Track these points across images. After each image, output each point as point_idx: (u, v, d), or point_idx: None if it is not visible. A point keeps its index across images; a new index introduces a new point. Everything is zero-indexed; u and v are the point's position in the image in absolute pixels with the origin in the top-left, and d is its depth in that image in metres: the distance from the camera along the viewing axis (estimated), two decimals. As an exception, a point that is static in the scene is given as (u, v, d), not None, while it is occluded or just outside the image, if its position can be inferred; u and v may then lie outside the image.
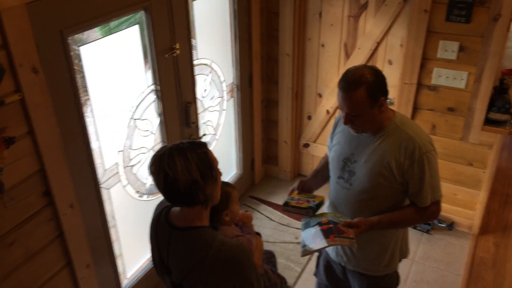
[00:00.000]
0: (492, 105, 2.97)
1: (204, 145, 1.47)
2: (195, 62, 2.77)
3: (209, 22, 2.98)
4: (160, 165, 1.39)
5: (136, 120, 2.44)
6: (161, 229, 1.54)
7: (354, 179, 1.86)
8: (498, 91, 3.02)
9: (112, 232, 2.41)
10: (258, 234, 2.00)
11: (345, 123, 1.78)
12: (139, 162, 2.52)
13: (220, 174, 1.51)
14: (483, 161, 3.15)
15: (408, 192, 1.84)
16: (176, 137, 2.71)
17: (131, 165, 2.47)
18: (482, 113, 2.97)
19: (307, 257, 3.15)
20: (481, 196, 3.26)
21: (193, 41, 2.74)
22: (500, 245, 3.32)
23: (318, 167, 2.20)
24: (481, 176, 3.19)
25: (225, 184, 1.82)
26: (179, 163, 1.38)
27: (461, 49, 2.91)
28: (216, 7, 3.02)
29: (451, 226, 3.41)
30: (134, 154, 2.48)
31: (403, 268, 2.15)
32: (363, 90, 1.68)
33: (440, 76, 3.03)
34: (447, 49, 2.94)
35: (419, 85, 3.13)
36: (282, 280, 2.38)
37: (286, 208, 1.98)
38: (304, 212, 1.95)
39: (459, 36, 2.89)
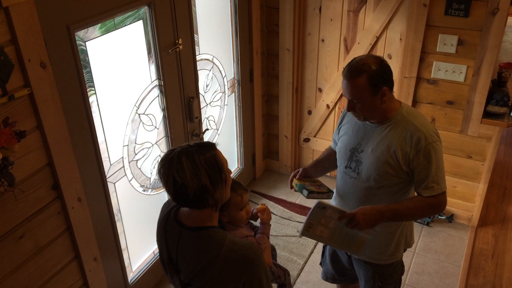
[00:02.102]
0: (490, 98, 3.01)
1: (213, 146, 1.46)
2: (197, 58, 2.80)
3: (211, 18, 3.00)
4: (169, 171, 1.39)
5: (141, 114, 2.46)
6: (171, 228, 1.54)
7: (361, 169, 1.90)
8: (496, 84, 3.06)
9: (118, 225, 2.44)
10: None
11: (348, 109, 1.82)
12: (143, 156, 2.54)
13: (229, 172, 1.52)
14: (482, 153, 3.19)
15: (414, 182, 1.87)
16: (179, 131, 2.73)
17: (136, 160, 2.49)
18: (481, 106, 3.01)
19: (309, 250, 3.18)
20: (480, 189, 3.30)
21: (195, 37, 2.76)
22: (499, 236, 3.36)
23: (320, 157, 2.24)
24: (480, 168, 3.23)
25: (239, 184, 1.83)
26: (188, 169, 1.37)
27: (460, 42, 2.94)
28: (217, 2, 3.04)
29: (450, 218, 3.45)
30: (139, 149, 2.50)
31: (404, 260, 2.18)
32: (364, 78, 1.71)
33: (440, 70, 3.06)
34: (446, 43, 2.98)
35: (419, 79, 3.17)
36: (285, 272, 2.41)
37: (312, 196, 2.00)
38: (326, 196, 2.05)
39: (457, 30, 2.92)
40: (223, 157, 1.48)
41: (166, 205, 1.61)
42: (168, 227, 1.55)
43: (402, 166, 1.82)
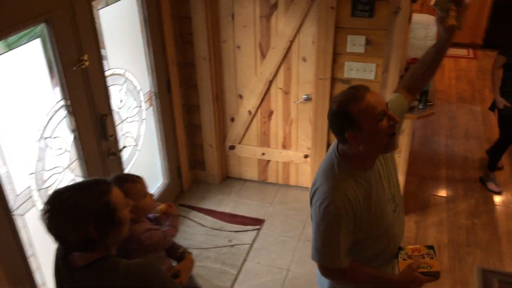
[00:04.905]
0: (400, 93, 3.15)
1: (106, 188, 1.35)
2: (107, 73, 2.67)
3: (119, 30, 2.88)
4: (50, 223, 1.29)
5: (47, 139, 2.30)
6: (63, 276, 1.43)
7: (398, 202, 1.79)
8: (405, 80, 3.21)
9: (32, 261, 2.26)
10: (189, 253, 1.95)
11: (395, 119, 1.57)
12: (54, 182, 2.38)
13: (128, 206, 1.43)
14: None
15: None
16: (93, 152, 2.59)
17: (46, 187, 2.33)
18: (392, 102, 3.14)
19: (241, 259, 3.15)
20: (398, 179, 3.44)
21: (102, 51, 2.63)
22: (420, 223, 3.54)
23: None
24: (397, 160, 3.38)
25: (122, 179, 1.72)
26: (70, 225, 1.27)
27: (368, 42, 3.06)
28: (125, 14, 2.93)
29: (375, 210, 3.57)
30: (48, 175, 2.34)
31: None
32: None
33: (351, 70, 3.17)
34: (355, 43, 3.08)
35: (333, 79, 3.25)
36: None
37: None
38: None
39: (364, 30, 3.03)
40: (118, 196, 1.37)
41: (57, 250, 1.47)
42: (62, 277, 1.44)
43: None
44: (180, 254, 1.93)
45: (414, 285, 1.67)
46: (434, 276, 1.70)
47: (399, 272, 1.71)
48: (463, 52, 6.76)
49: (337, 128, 1.60)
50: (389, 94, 3.10)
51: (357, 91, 1.56)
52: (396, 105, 1.79)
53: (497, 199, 3.79)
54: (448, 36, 1.69)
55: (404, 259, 1.74)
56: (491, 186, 3.88)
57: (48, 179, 2.33)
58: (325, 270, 1.70)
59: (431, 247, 1.80)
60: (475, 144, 4.57)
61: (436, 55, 1.76)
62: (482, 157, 4.28)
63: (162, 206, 1.90)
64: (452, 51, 6.66)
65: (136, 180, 1.78)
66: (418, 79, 1.85)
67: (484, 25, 6.63)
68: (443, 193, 3.89)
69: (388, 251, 1.77)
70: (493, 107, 3.87)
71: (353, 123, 1.54)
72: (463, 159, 4.34)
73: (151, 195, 1.84)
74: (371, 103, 1.53)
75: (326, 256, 1.66)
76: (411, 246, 1.80)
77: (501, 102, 3.59)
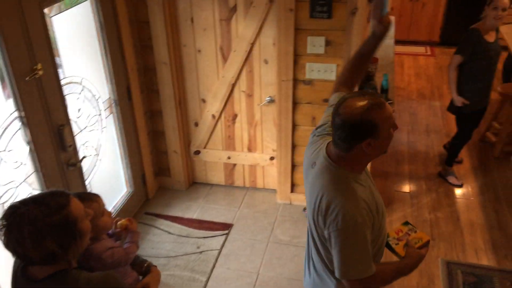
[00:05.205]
0: (361, 93, 3.20)
1: (65, 201, 1.30)
2: (63, 81, 2.59)
3: (75, 37, 2.80)
4: (8, 241, 1.25)
5: (1, 152, 2.20)
6: None
7: None
8: (365, 79, 3.26)
9: (-11, 280, 2.16)
10: (154, 266, 1.91)
11: (397, 126, 1.63)
12: (11, 197, 2.28)
13: (89, 215, 1.39)
14: (361, 145, 3.37)
15: None
16: (51, 164, 2.50)
17: (2, 203, 2.23)
18: (354, 101, 3.19)
19: (211, 265, 3.11)
20: (364, 177, 3.49)
21: (57, 59, 2.55)
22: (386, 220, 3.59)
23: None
24: (361, 158, 3.42)
25: (79, 198, 1.66)
26: (29, 238, 1.23)
27: (327, 43, 3.08)
28: (80, 21, 2.84)
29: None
30: (4, 190, 2.24)
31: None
32: None
33: (313, 70, 3.19)
34: (315, 44, 3.10)
35: (295, 81, 3.26)
36: None
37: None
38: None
39: (324, 31, 3.06)
40: (78, 207, 1.34)
41: (15, 262, 1.43)
42: None
43: None
44: (146, 269, 1.89)
45: (421, 262, 1.74)
46: (427, 245, 1.80)
47: (402, 256, 1.75)
48: (421, 49, 6.94)
49: (353, 136, 1.53)
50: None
51: (376, 99, 1.53)
52: None
53: (458, 192, 3.91)
54: (385, 31, 1.79)
55: (396, 244, 1.79)
56: (452, 179, 3.98)
57: (3, 194, 2.24)
58: (357, 283, 1.60)
59: (407, 223, 1.88)
60: (435, 139, 4.69)
61: (372, 48, 1.86)
62: (442, 152, 4.40)
63: (122, 221, 1.86)
64: (410, 49, 6.85)
65: (93, 199, 1.73)
66: (353, 75, 1.93)
67: (440, 22, 6.83)
68: (406, 188, 3.97)
69: (384, 243, 1.80)
70: (452, 108, 3.84)
71: (374, 131, 1.50)
72: (424, 155, 4.45)
73: (109, 213, 1.80)
74: (390, 112, 1.54)
75: (359, 268, 1.58)
76: (392, 231, 1.86)
77: (459, 101, 3.65)
